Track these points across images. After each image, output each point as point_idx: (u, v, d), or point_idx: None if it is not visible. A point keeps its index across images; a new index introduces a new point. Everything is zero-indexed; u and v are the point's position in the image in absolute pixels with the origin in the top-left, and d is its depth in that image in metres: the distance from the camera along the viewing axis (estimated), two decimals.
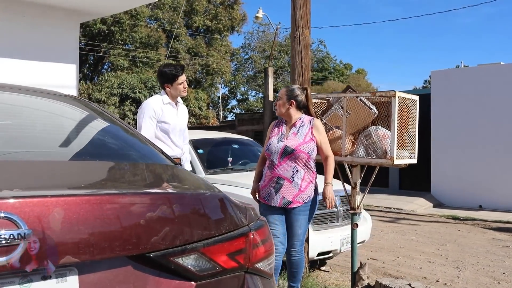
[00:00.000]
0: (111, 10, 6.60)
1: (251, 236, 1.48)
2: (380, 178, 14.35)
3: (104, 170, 1.62)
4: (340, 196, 6.12)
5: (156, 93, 4.81)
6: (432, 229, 9.62)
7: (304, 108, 3.96)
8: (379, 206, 12.50)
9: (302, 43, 4.49)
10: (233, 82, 39.80)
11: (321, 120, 4.29)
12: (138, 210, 1.22)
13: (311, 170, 3.81)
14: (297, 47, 4.49)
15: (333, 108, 4.23)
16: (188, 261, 1.31)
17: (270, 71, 16.14)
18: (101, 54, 27.19)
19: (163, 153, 1.95)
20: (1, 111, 2.09)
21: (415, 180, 13.89)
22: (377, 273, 6.51)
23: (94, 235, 1.15)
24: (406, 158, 4.12)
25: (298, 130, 3.82)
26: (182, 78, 4.35)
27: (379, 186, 14.35)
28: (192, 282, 1.31)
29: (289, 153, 3.73)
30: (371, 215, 11.17)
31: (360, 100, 4.07)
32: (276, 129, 3.98)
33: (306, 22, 4.49)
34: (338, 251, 5.74)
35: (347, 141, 4.19)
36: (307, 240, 4.66)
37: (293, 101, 3.87)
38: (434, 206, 12.54)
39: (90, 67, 29.76)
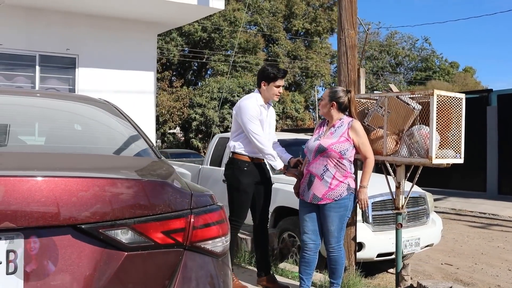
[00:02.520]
0: (182, 22, 7.13)
1: (192, 219, 1.71)
2: (477, 182, 13.59)
3: (74, 160, 1.95)
4: (407, 197, 6.02)
5: None
6: None
7: (346, 109, 4.05)
8: (472, 211, 11.82)
9: (347, 44, 4.56)
10: (333, 84, 39.55)
11: (364, 123, 4.33)
12: (73, 189, 1.52)
13: (343, 169, 3.86)
14: (343, 49, 4.58)
15: (373, 109, 4.27)
16: (118, 234, 1.57)
17: (362, 72, 15.87)
18: (204, 60, 28.58)
19: (152, 148, 2.25)
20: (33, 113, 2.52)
21: None
22: (447, 278, 6.29)
23: (33, 209, 1.46)
24: (451, 157, 4.02)
25: (335, 130, 3.92)
26: (281, 82, 4.31)
27: (476, 190, 13.55)
28: (123, 252, 1.57)
29: (321, 152, 3.85)
30: (461, 220, 10.72)
31: (398, 98, 4.08)
32: (319, 128, 4.12)
33: (352, 24, 4.56)
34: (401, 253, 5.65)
35: (389, 140, 4.18)
36: (353, 239, 4.70)
37: (335, 103, 3.97)
38: None
39: (194, 73, 31.43)
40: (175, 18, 6.70)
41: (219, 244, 1.82)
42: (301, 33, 33.44)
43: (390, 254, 5.75)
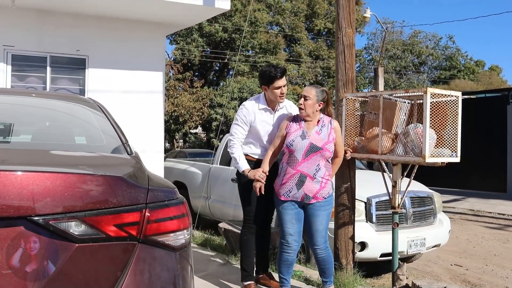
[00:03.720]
0: (190, 22, 7.22)
1: (147, 213, 1.76)
2: (496, 183, 13.32)
3: (34, 156, 2.02)
4: (413, 197, 5.98)
5: None
6: None
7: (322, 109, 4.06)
8: (491, 212, 11.60)
9: (345, 43, 4.55)
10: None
11: (364, 137, 4.38)
12: (24, 183, 1.59)
13: (329, 168, 3.96)
14: (341, 47, 4.57)
15: (365, 118, 4.32)
16: (71, 226, 1.63)
17: (380, 71, 15.84)
18: (225, 60, 28.72)
19: (125, 147, 2.31)
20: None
21: None
22: (455, 279, 6.21)
23: None
24: (446, 156, 3.98)
25: (320, 129, 3.90)
26: (280, 82, 4.08)
27: (496, 191, 13.29)
28: (74, 244, 1.63)
29: (315, 151, 3.81)
30: (478, 221, 10.53)
31: (378, 97, 4.16)
32: (295, 125, 3.94)
33: (349, 22, 4.54)
34: (405, 253, 5.61)
35: (386, 139, 4.17)
36: (351, 238, 4.69)
37: (322, 103, 3.97)
38: None
39: (216, 73, 31.63)
40: (183, 19, 6.80)
41: (180, 238, 1.87)
42: (323, 33, 33.27)
43: None
